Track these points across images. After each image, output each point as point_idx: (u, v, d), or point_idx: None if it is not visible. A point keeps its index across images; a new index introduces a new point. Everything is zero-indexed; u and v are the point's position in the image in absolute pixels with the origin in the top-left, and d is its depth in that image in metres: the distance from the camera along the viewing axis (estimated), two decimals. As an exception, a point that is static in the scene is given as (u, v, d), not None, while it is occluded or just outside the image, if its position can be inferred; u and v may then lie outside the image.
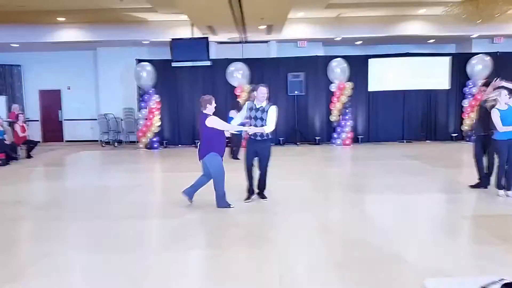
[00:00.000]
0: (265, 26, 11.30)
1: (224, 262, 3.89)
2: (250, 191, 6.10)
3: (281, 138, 12.94)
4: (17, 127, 11.26)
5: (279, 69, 13.35)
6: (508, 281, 1.86)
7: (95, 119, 14.47)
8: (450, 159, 10.19)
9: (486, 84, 6.50)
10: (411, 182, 7.29)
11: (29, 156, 11.36)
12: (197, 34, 11.90)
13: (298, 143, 13.11)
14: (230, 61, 12.93)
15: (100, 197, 6.70)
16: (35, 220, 5.58)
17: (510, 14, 10.68)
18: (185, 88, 13.50)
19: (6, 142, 10.49)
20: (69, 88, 15.37)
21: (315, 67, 13.28)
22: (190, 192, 5.86)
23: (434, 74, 13.26)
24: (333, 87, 12.84)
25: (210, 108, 5.68)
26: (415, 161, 9.51)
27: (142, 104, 12.87)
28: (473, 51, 13.68)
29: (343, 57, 12.93)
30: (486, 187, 6.40)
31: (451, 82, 13.28)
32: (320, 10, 11.66)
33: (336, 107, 12.81)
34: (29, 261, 4.05)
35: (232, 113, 9.45)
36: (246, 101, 6.09)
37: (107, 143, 14.25)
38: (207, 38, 11.63)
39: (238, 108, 9.37)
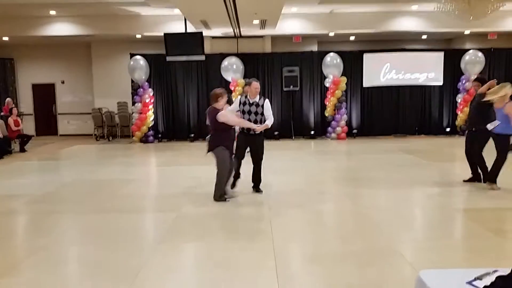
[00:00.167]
0: (259, 21, 11.28)
1: (220, 255, 3.92)
2: (233, 183, 6.20)
3: (276, 132, 12.98)
4: (11, 121, 11.20)
5: (274, 64, 13.37)
6: (502, 273, 1.90)
7: (89, 113, 14.42)
8: (443, 153, 10.27)
9: (479, 80, 6.52)
10: (405, 176, 7.36)
11: (23, 150, 11.33)
12: (191, 28, 11.86)
13: (293, 138, 13.16)
14: (225, 55, 12.92)
15: (94, 191, 6.70)
16: (30, 214, 5.58)
17: (503, 11, 10.74)
18: (179, 82, 13.48)
19: (-1, 136, 10.46)
20: (63, 82, 15.29)
21: (310, 62, 13.31)
22: (218, 189, 5.83)
23: (428, 70, 13.33)
24: (327, 82, 12.88)
25: (221, 102, 5.67)
26: (409, 155, 9.59)
27: (136, 98, 12.84)
28: (467, 47, 13.77)
29: (338, 52, 12.96)
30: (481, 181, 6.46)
31: (444, 77, 13.36)
32: (313, 5, 11.66)
33: (331, 101, 12.85)
34: (24, 254, 4.06)
35: (225, 107, 9.43)
36: (240, 95, 6.11)
37: (102, 137, 14.21)
38: (201, 32, 11.60)
39: (230, 102, 9.36)
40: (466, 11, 9.20)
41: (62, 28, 12.91)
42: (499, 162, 6.06)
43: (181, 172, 8.20)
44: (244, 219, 5.13)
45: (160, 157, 10.53)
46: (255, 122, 5.85)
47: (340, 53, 12.93)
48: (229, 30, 12.48)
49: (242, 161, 6.16)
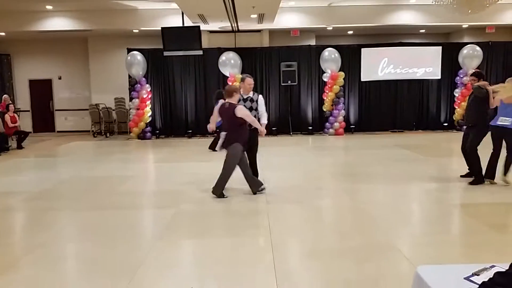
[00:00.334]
0: (257, 15, 11.24)
1: (218, 251, 3.92)
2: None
3: (274, 128, 12.96)
4: (8, 118, 11.16)
5: (271, 58, 13.33)
6: (501, 269, 1.90)
7: (87, 109, 14.37)
8: (441, 148, 10.29)
9: (476, 74, 6.42)
10: (403, 171, 7.37)
11: (20, 147, 11.30)
12: (188, 23, 11.81)
13: (291, 133, 13.15)
14: (222, 50, 12.88)
15: (92, 188, 6.69)
16: (27, 211, 5.58)
17: (500, 4, 10.71)
18: (177, 77, 13.44)
19: (-4, 132, 10.42)
20: (60, 78, 15.23)
21: (308, 56, 13.28)
22: (255, 184, 5.80)
23: (425, 64, 13.31)
24: (325, 77, 12.85)
25: (235, 98, 5.66)
26: (407, 151, 9.59)
27: (134, 94, 12.80)
28: (464, 41, 13.75)
29: (336, 46, 12.93)
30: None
31: (442, 71, 13.34)
32: (311, -1, 11.64)
33: (329, 96, 12.84)
34: (22, 251, 4.06)
35: (221, 101, 9.39)
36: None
37: (99, 133, 14.18)
38: (198, 27, 11.54)
39: (222, 97, 9.33)
40: (464, 4, 9.17)
41: (58, 23, 12.85)
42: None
43: (179, 168, 8.20)
44: (242, 215, 5.13)
45: (158, 154, 10.52)
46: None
47: (338, 48, 12.89)
48: (226, 25, 12.43)
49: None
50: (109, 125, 14.21)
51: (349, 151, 10.42)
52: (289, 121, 13.22)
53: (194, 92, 13.41)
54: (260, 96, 6.01)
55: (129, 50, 12.89)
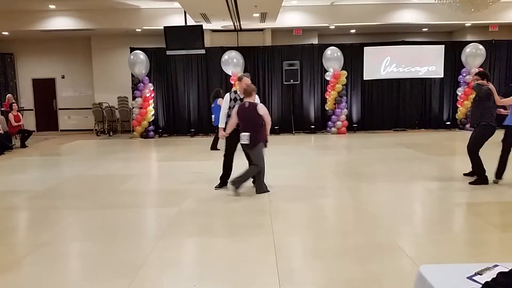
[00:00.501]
0: (259, 14, 11.23)
1: (221, 250, 3.94)
2: (223, 181, 6.18)
3: (276, 127, 12.96)
4: (11, 117, 11.22)
5: (274, 57, 13.33)
6: (504, 269, 1.89)
7: (90, 108, 14.41)
8: (443, 147, 10.26)
9: (480, 74, 6.30)
10: (406, 170, 7.36)
11: (23, 146, 11.35)
12: (191, 22, 11.82)
13: (293, 132, 13.15)
14: (225, 49, 12.89)
15: (95, 187, 6.71)
16: (31, 210, 5.61)
17: (504, 2, 10.68)
18: (179, 76, 13.46)
19: (0, 131, 10.46)
20: (63, 77, 15.28)
21: (310, 55, 13.28)
22: (261, 186, 5.84)
23: (428, 63, 13.28)
24: (328, 76, 12.84)
25: (254, 97, 5.72)
26: (409, 149, 9.58)
27: (137, 93, 12.82)
28: (467, 39, 13.70)
29: (338, 45, 12.91)
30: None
31: (445, 70, 13.31)
32: (314, -3, 11.63)
33: (331, 95, 12.83)
34: (26, 250, 4.08)
35: (220, 101, 9.37)
36: (229, 92, 6.12)
37: (102, 132, 14.22)
38: (201, 26, 11.55)
39: (220, 96, 9.35)
40: (467, 2, 9.14)
41: (61, 22, 12.89)
42: None
43: (182, 167, 8.21)
44: (244, 214, 5.14)
45: (161, 152, 10.54)
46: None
47: (341, 46, 12.88)
48: (229, 23, 12.43)
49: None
50: (112, 124, 14.26)
51: (352, 150, 10.41)
52: (292, 120, 13.21)
53: (196, 91, 13.43)
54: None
55: (132, 49, 12.92)
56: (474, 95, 6.51)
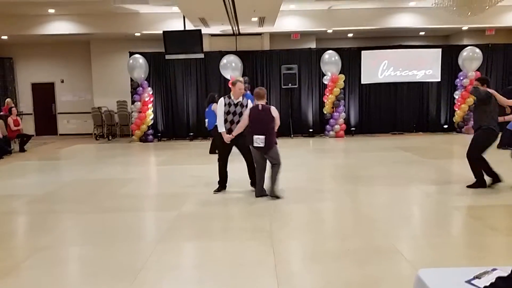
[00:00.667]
0: (258, 18, 11.29)
1: (220, 254, 3.96)
2: (222, 185, 6.22)
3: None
4: (10, 121, 11.22)
5: (272, 61, 13.38)
6: (502, 273, 1.91)
7: (89, 112, 14.43)
8: (441, 150, 10.30)
9: (481, 80, 6.21)
10: (403, 174, 7.40)
11: (22, 150, 11.35)
12: (190, 26, 11.87)
13: (292, 136, 13.18)
14: (224, 53, 12.93)
15: (95, 191, 6.73)
16: (30, 214, 5.61)
17: (500, 6, 10.74)
18: (178, 80, 13.50)
19: (-1, 136, 10.48)
20: (62, 81, 15.30)
21: (308, 59, 13.33)
22: (260, 190, 5.88)
23: (425, 66, 13.34)
24: (326, 79, 12.89)
25: (264, 100, 5.82)
26: (407, 153, 9.61)
27: (136, 97, 12.85)
28: (464, 43, 13.78)
29: (336, 49, 12.97)
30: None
31: (442, 74, 13.37)
32: (312, 2, 11.68)
33: (329, 99, 12.88)
34: (25, 254, 4.08)
35: (214, 106, 9.38)
36: (223, 97, 6.15)
37: (101, 136, 14.23)
38: (200, 30, 11.60)
39: (215, 101, 9.34)
40: (463, 6, 9.21)
41: (61, 27, 12.92)
42: None
43: (181, 171, 8.23)
44: (243, 217, 5.16)
45: (160, 156, 10.55)
46: (238, 122, 5.95)
47: (338, 50, 12.94)
48: (227, 28, 12.48)
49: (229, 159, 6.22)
50: (111, 128, 14.27)
51: (350, 153, 10.44)
52: (290, 124, 13.24)
53: (195, 95, 13.46)
54: (249, 101, 6.11)
55: (131, 54, 12.96)
56: (474, 99, 6.50)
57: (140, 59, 12.76)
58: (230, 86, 6.19)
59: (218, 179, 6.24)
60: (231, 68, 12.57)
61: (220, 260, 3.81)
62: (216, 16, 10.78)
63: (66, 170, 9.09)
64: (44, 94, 15.32)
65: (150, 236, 4.73)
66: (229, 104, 5.96)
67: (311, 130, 13.44)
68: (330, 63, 12.75)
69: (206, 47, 12.90)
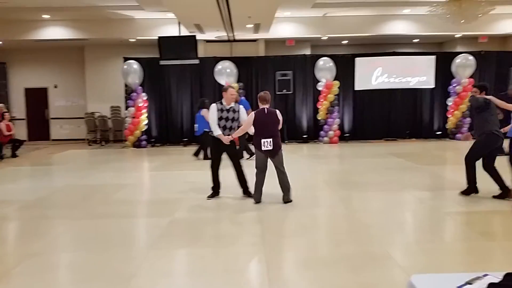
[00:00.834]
0: (253, 25, 11.33)
1: (213, 260, 3.93)
2: (215, 191, 6.22)
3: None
4: (2, 126, 11.12)
5: (267, 67, 13.43)
6: (494, 279, 1.91)
7: (82, 118, 14.37)
8: (434, 156, 10.35)
9: (479, 86, 6.20)
10: (397, 180, 7.41)
11: (14, 155, 11.26)
12: (184, 32, 11.89)
13: (286, 141, 13.19)
14: (218, 59, 12.95)
15: (87, 196, 6.68)
16: (22, 220, 5.55)
17: (493, 14, 10.87)
18: (173, 86, 13.50)
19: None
20: (56, 87, 15.23)
21: (303, 65, 13.39)
22: (257, 196, 5.90)
23: (419, 73, 13.43)
24: (320, 86, 12.94)
25: (269, 103, 5.88)
26: (400, 159, 9.65)
27: (130, 103, 12.81)
28: (458, 50, 13.91)
29: (330, 56, 13.04)
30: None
31: (436, 80, 13.47)
32: (306, 9, 11.75)
33: (324, 105, 12.92)
34: (16, 260, 4.03)
35: (204, 111, 9.39)
36: (214, 102, 6.17)
37: (94, 141, 14.16)
38: (195, 36, 11.62)
39: (206, 107, 9.37)
40: (457, 14, 9.31)
41: (55, 32, 12.90)
42: None
43: (174, 177, 8.20)
44: (237, 223, 5.14)
45: (153, 162, 10.51)
46: (231, 128, 5.99)
47: (333, 57, 13.01)
48: (223, 34, 12.52)
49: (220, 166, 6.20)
50: (104, 133, 14.20)
51: (344, 159, 10.46)
52: (284, 129, 13.26)
53: (190, 101, 13.45)
54: (241, 106, 6.16)
55: (126, 59, 12.94)
56: (470, 107, 6.47)
57: (135, 65, 12.74)
58: (221, 92, 6.19)
59: (211, 185, 6.23)
60: (226, 74, 12.59)
61: (213, 266, 3.78)
62: (211, 22, 10.82)
63: (58, 175, 9.03)
64: (37, 99, 15.23)
65: (142, 242, 4.70)
66: (222, 110, 5.97)
67: (305, 136, 13.47)
68: (325, 69, 12.81)
69: (201, 53, 12.92)
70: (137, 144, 12.92)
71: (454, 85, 13.14)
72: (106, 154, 11.90)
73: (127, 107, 12.91)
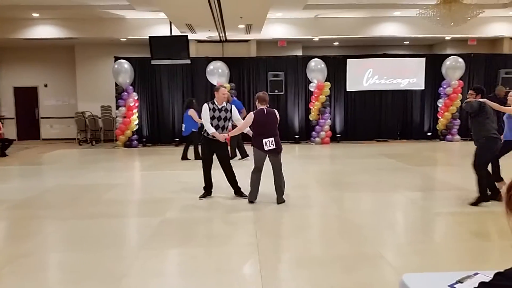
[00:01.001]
0: (245, 25, 11.33)
1: (204, 260, 3.92)
2: (207, 191, 6.23)
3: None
4: (-9, 125, 11.01)
5: (259, 68, 13.44)
6: (484, 278, 1.93)
7: (73, 117, 14.24)
8: (424, 157, 10.44)
9: (475, 89, 6.04)
10: (388, 180, 7.46)
11: (3, 155, 11.13)
12: (176, 32, 11.85)
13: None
14: (210, 59, 12.93)
15: (78, 196, 6.62)
16: (11, 220, 5.49)
17: (482, 18, 11.00)
18: (164, 86, 13.44)
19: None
20: (46, 86, 15.08)
21: (295, 66, 13.42)
22: (253, 195, 5.90)
23: (409, 75, 13.55)
24: (312, 87, 12.98)
25: (267, 104, 5.92)
26: (391, 160, 9.72)
27: (120, 102, 12.73)
28: (448, 52, 14.05)
29: (322, 57, 13.09)
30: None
31: (426, 82, 13.59)
32: (298, 10, 11.78)
33: (315, 106, 12.96)
34: (5, 261, 3.98)
35: (191, 111, 9.38)
36: (206, 102, 6.18)
37: (85, 141, 14.04)
38: (186, 36, 11.59)
39: (194, 106, 9.39)
40: (447, 17, 9.41)
41: (45, 31, 12.77)
42: None
43: (166, 176, 8.16)
44: (229, 223, 5.14)
45: (144, 162, 10.45)
46: (223, 127, 6.01)
47: (324, 58, 13.06)
48: (214, 34, 12.50)
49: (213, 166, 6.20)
50: (95, 133, 14.10)
51: (336, 160, 10.51)
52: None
53: (181, 101, 13.40)
54: (233, 105, 6.22)
55: (116, 58, 12.86)
56: (465, 112, 6.40)
57: (125, 64, 12.66)
58: (213, 92, 6.21)
59: (203, 185, 6.22)
60: (217, 74, 12.57)
61: (205, 266, 3.77)
62: (203, 22, 10.79)
63: (48, 175, 8.93)
64: (27, 99, 15.07)
65: (133, 242, 4.67)
66: (214, 110, 5.97)
67: (297, 136, 13.50)
68: (316, 70, 12.86)
69: (193, 53, 12.88)
70: (128, 144, 12.84)
71: (444, 86, 13.27)
72: (97, 154, 11.81)
73: (117, 107, 12.82)
